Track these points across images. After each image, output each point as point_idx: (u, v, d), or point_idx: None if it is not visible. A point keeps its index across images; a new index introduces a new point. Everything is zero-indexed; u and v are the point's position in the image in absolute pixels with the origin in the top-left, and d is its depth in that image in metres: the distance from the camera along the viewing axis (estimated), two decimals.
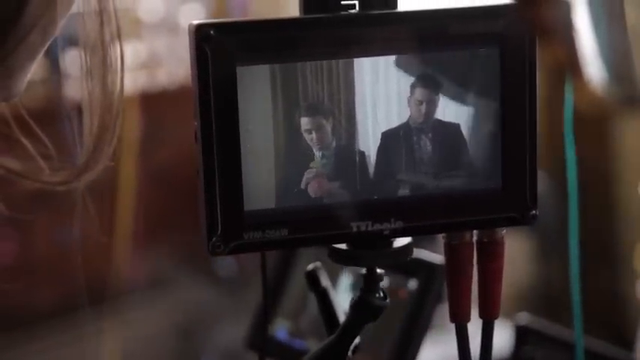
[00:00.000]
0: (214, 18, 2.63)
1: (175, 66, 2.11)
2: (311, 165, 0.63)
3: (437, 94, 0.64)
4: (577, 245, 0.68)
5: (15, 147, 0.65)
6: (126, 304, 2.35)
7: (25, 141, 0.65)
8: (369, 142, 0.64)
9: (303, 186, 0.63)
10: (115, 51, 0.62)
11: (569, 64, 0.45)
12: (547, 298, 2.54)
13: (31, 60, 0.58)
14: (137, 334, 2.41)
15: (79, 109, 0.65)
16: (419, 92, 0.64)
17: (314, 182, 0.63)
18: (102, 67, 0.62)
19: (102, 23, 0.61)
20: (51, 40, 0.58)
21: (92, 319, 2.13)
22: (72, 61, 0.66)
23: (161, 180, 2.40)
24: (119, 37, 0.62)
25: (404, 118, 0.64)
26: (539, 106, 0.65)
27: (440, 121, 0.65)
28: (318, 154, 0.63)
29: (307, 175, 0.63)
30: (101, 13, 0.60)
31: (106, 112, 0.62)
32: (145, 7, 2.43)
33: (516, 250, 2.52)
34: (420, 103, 0.64)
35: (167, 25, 2.44)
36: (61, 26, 0.58)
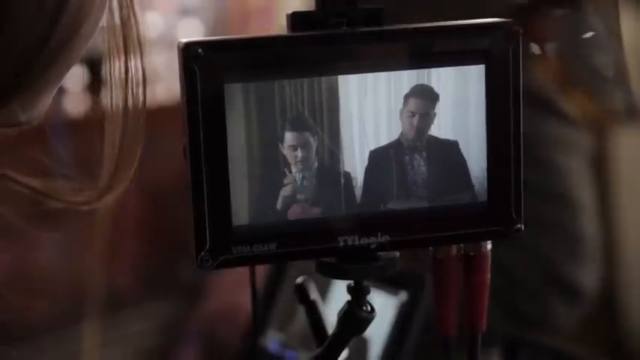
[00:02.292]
0: (214, 33, 2.64)
1: (173, 81, 2.12)
2: (289, 186, 0.64)
3: (431, 107, 0.65)
4: None
5: (38, 166, 0.66)
6: (121, 319, 2.35)
7: (47, 161, 0.66)
8: (355, 163, 0.65)
9: (280, 207, 0.64)
10: (138, 75, 0.63)
11: (562, 76, 0.46)
12: None
13: (56, 83, 0.59)
14: (132, 349, 2.42)
15: (74, 128, 0.66)
16: (412, 103, 0.65)
17: (295, 208, 0.64)
18: (124, 90, 0.63)
19: (126, 48, 0.62)
20: (76, 63, 0.59)
21: (88, 334, 2.14)
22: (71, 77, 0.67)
23: (158, 194, 2.40)
24: (142, 61, 0.63)
25: (394, 136, 0.65)
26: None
27: (436, 139, 0.66)
28: (298, 175, 0.64)
29: (285, 198, 0.64)
30: (125, 37, 0.62)
31: (128, 135, 0.63)
32: (144, 23, 2.44)
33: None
34: (413, 115, 0.65)
35: (166, 41, 2.45)
36: (83, 51, 0.59)
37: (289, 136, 0.63)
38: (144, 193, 2.35)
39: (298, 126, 0.63)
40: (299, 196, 0.64)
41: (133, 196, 2.29)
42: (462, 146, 0.66)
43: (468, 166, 0.66)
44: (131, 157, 0.64)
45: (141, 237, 2.45)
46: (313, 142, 0.64)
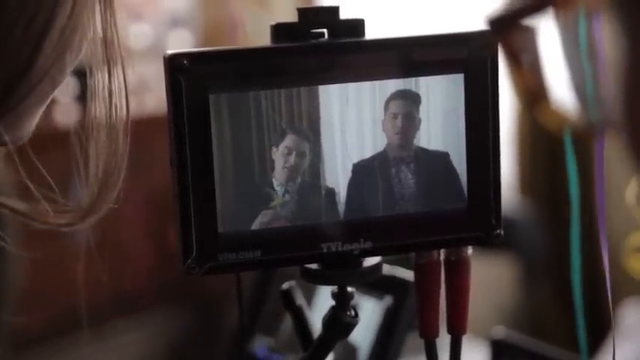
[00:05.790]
0: (203, 44, 2.64)
1: (163, 91, 2.13)
2: (270, 205, 0.65)
3: (415, 109, 0.66)
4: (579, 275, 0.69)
5: (21, 188, 0.66)
6: (111, 329, 2.35)
7: (30, 184, 0.66)
8: (337, 177, 0.65)
9: (263, 223, 0.65)
10: (122, 100, 0.64)
11: (536, 88, 0.47)
12: (530, 317, 2.56)
13: (40, 106, 0.60)
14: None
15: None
16: (393, 105, 0.66)
17: (277, 223, 0.65)
18: (108, 115, 0.63)
19: (110, 75, 0.63)
20: (61, 84, 0.60)
21: (79, 345, 2.14)
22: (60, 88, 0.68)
23: (149, 203, 2.41)
24: (126, 87, 0.63)
25: (380, 147, 0.66)
26: (525, 132, 0.68)
27: (424, 150, 0.66)
28: (281, 189, 0.65)
29: (268, 218, 0.65)
30: (109, 63, 0.62)
31: (112, 157, 0.64)
32: (134, 34, 2.46)
33: (501, 272, 2.54)
34: (395, 117, 0.66)
35: (156, 52, 2.46)
36: (68, 73, 0.60)
37: (289, 139, 0.64)
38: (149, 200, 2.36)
39: (301, 132, 0.65)
40: (282, 213, 0.65)
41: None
42: (452, 157, 0.67)
43: (459, 177, 0.67)
44: (114, 181, 0.64)
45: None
46: (307, 154, 0.65)
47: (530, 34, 0.47)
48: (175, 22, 2.71)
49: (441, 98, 0.66)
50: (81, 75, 0.64)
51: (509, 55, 0.47)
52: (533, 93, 0.48)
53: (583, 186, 0.65)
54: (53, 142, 0.99)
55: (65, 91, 0.65)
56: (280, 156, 0.65)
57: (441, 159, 0.66)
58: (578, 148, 0.61)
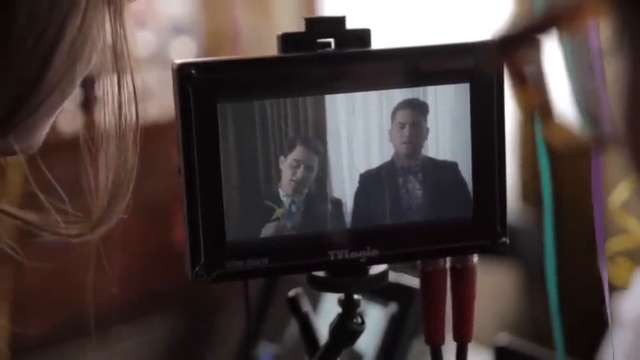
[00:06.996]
0: (205, 51, 2.64)
1: (166, 98, 2.14)
2: (277, 220, 0.65)
3: (422, 118, 0.66)
4: (555, 282, 0.69)
5: (32, 199, 0.67)
6: (114, 336, 2.35)
7: (41, 194, 0.67)
8: (344, 187, 0.66)
9: (270, 233, 0.65)
10: (131, 110, 0.64)
11: (541, 105, 0.48)
12: (533, 325, 2.56)
13: (49, 117, 0.60)
14: None
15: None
16: (400, 114, 0.66)
17: (284, 232, 0.65)
18: (118, 126, 0.63)
19: (119, 86, 0.63)
20: (70, 95, 0.60)
21: (80, 351, 2.14)
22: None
23: (150, 211, 2.41)
24: (135, 97, 0.63)
25: (387, 157, 0.66)
26: (528, 140, 0.68)
27: (432, 160, 0.66)
28: (287, 200, 0.65)
29: (274, 229, 0.65)
30: (119, 74, 0.62)
31: (121, 168, 0.64)
32: (137, 41, 2.46)
33: (504, 280, 2.54)
34: (402, 126, 0.66)
35: (159, 59, 2.47)
36: (78, 84, 0.60)
37: (299, 151, 0.65)
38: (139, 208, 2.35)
39: (310, 145, 0.65)
40: (288, 223, 0.65)
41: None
42: (461, 167, 0.67)
43: (467, 186, 0.67)
44: (123, 192, 0.64)
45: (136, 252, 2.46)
46: (315, 169, 0.65)
47: (534, 52, 0.47)
48: (178, 30, 2.72)
49: (448, 108, 0.67)
50: (86, 82, 0.64)
51: (514, 74, 0.48)
52: (538, 110, 0.48)
53: (587, 193, 0.66)
54: (57, 150, 1.00)
55: (70, 98, 0.65)
56: (288, 168, 0.65)
57: (449, 169, 0.67)
58: (581, 157, 0.62)
